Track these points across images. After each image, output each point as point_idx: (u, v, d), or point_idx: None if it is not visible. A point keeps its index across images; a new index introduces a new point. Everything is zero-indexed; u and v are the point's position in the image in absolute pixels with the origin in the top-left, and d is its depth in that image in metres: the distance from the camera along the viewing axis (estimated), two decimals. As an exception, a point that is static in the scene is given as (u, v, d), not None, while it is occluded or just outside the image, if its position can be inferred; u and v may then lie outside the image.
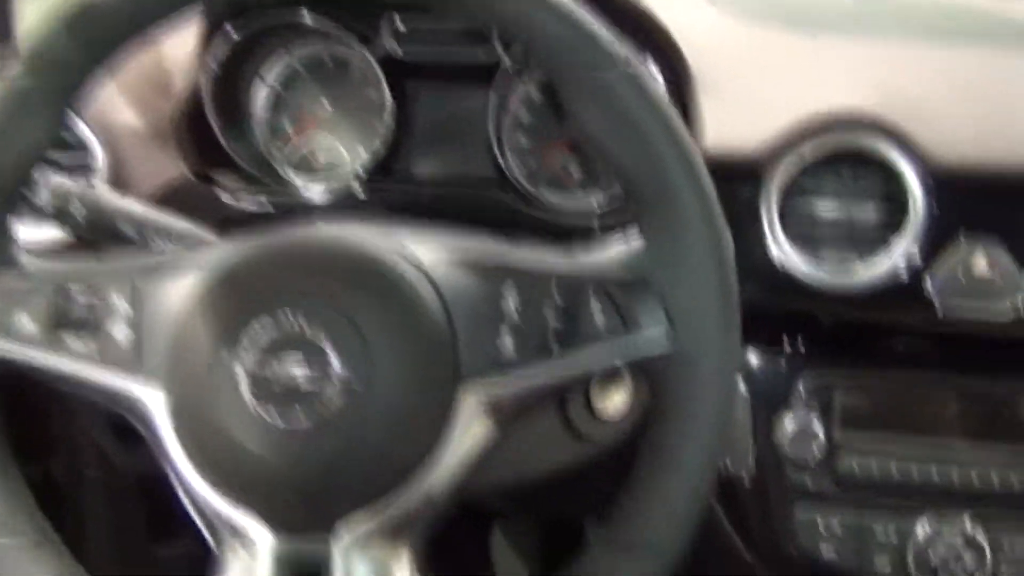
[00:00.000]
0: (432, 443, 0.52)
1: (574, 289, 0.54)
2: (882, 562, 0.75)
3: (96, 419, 0.96)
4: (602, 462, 0.69)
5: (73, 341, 0.56)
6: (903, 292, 0.73)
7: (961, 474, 0.75)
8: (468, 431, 0.53)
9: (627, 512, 0.53)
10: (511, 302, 0.53)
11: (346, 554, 0.53)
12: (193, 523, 0.57)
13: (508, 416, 0.54)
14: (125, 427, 0.93)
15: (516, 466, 0.65)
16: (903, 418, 0.76)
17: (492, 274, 0.54)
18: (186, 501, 0.55)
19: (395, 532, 0.53)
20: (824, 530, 0.76)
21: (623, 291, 0.53)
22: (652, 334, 0.53)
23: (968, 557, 0.73)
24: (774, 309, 0.76)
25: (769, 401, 0.77)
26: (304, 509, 0.52)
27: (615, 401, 0.69)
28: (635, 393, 0.69)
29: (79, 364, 0.56)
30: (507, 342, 0.53)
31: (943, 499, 0.75)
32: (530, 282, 0.54)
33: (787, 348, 0.78)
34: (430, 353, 0.52)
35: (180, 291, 0.54)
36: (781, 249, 0.74)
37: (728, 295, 0.53)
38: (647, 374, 0.54)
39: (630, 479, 0.54)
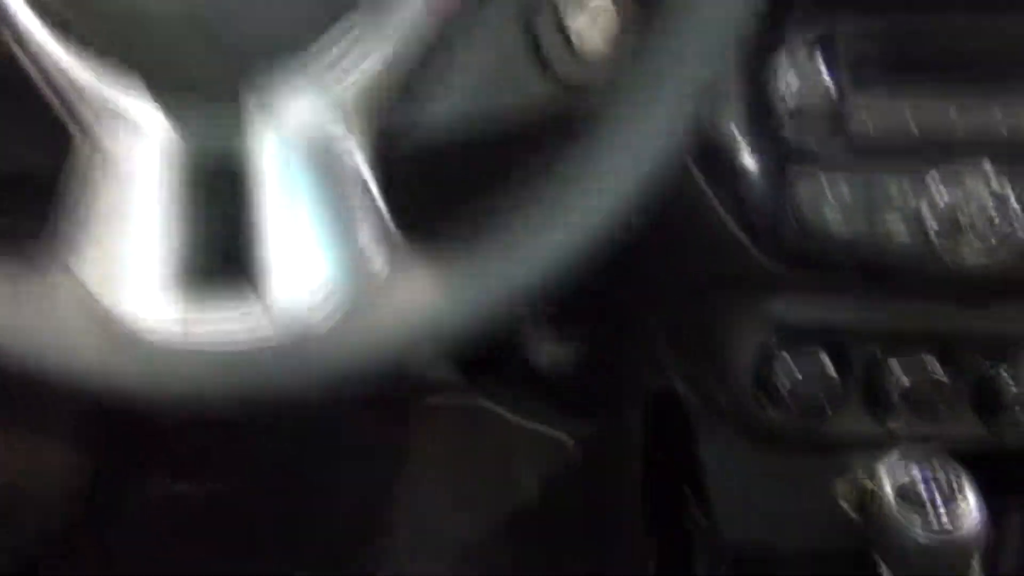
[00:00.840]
0: None
1: None
2: (897, 226, 0.65)
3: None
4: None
5: None
6: None
7: (986, 120, 0.65)
8: None
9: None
10: None
11: (266, 128, 0.40)
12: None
13: None
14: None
15: (473, 94, 0.53)
16: (920, 60, 0.65)
17: None
18: (49, 93, 0.41)
19: (332, 104, 0.41)
20: (831, 196, 0.65)
21: None
22: None
23: (992, 209, 0.64)
24: None
25: (763, 49, 0.65)
26: (206, 66, 0.39)
27: (596, 27, 0.56)
28: (621, 17, 0.56)
29: None
30: None
31: (965, 150, 0.66)
32: None
33: None
34: None
35: None
36: None
37: None
38: None
39: None
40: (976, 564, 0.59)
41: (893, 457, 0.62)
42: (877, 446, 0.74)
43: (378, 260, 0.43)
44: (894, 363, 0.72)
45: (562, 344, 1.34)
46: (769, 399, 0.75)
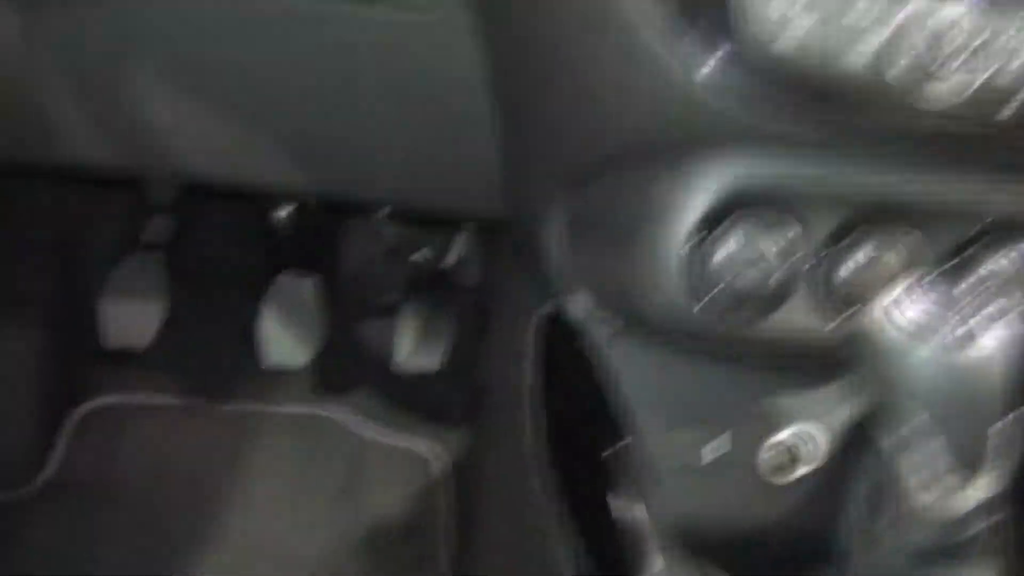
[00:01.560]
0: None
1: None
2: (858, 56, 0.56)
3: None
4: None
5: None
6: None
7: None
8: None
9: None
10: None
11: None
12: None
13: None
14: None
15: None
16: None
17: None
18: None
19: None
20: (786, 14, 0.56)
21: None
22: None
23: (969, 42, 0.56)
24: None
25: None
26: None
27: None
28: None
29: None
30: None
31: None
32: None
33: None
34: None
35: None
36: None
37: None
38: None
39: None
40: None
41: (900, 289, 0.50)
42: (822, 357, 0.64)
43: None
44: (844, 242, 0.63)
45: (426, 346, 1.20)
46: (701, 294, 0.63)
